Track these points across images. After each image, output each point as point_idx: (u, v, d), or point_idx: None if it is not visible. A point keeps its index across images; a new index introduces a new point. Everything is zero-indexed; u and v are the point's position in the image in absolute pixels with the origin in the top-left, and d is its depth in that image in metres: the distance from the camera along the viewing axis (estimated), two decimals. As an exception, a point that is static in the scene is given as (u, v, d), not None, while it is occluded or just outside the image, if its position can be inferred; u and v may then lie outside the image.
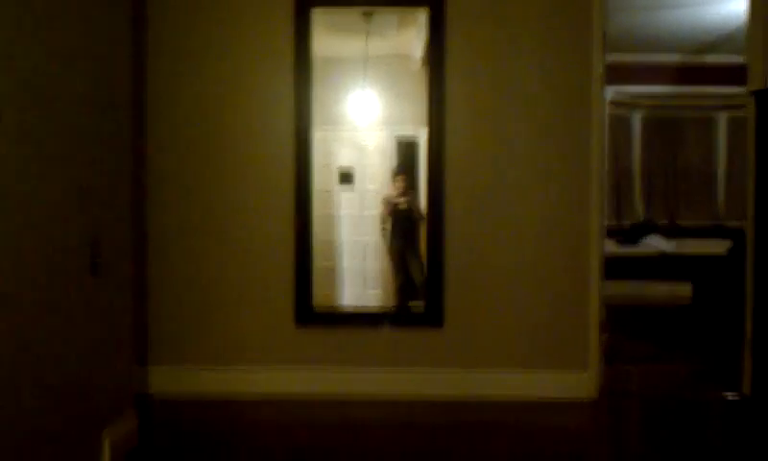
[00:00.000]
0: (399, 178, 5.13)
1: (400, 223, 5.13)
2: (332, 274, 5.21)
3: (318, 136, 4.77)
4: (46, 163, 2.94)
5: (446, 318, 4.75)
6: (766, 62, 4.42)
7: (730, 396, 4.67)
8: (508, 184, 4.73)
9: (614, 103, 9.55)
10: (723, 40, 8.71)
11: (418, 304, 4.96)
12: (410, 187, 5.09)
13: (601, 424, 4.46)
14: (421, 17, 4.78)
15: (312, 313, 4.78)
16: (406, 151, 5.20)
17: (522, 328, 4.74)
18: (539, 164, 4.72)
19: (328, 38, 4.81)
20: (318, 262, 4.84)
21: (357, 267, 5.29)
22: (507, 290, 4.74)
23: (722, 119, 10.09)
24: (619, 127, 9.95)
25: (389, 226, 5.16)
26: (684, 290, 8.35)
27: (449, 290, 4.75)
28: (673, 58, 9.64)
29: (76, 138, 3.20)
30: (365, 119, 5.16)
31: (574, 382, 4.74)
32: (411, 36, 5.03)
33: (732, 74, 9.24)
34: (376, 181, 5.22)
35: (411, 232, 5.10)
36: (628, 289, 8.70)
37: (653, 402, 4.83)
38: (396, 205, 5.10)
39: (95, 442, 3.40)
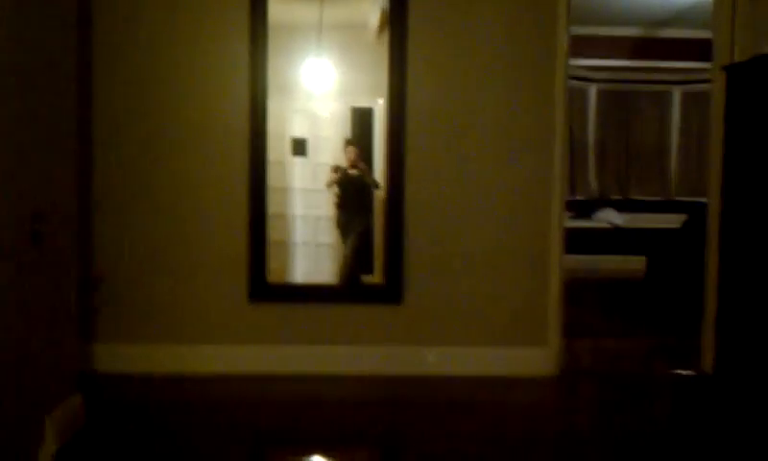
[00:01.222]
0: (351, 148, 5.00)
1: (350, 194, 5.01)
2: (284, 248, 5.07)
3: (271, 105, 4.60)
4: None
5: (405, 294, 4.65)
6: (733, 38, 4.36)
7: (685, 373, 4.66)
8: (470, 157, 4.63)
9: (570, 76, 9.53)
10: (680, 15, 8.71)
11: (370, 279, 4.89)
12: (362, 159, 4.97)
13: (560, 401, 4.43)
14: (380, -15, 4.65)
15: (266, 288, 4.64)
16: (361, 121, 5.08)
17: (482, 304, 4.67)
18: (502, 137, 4.64)
19: (282, 4, 4.63)
20: (269, 236, 4.68)
21: (310, 241, 5.17)
22: (467, 265, 4.66)
23: (676, 94, 10.15)
24: (574, 100, 9.94)
25: (337, 194, 5.02)
26: (636, 264, 8.40)
27: (409, 265, 4.64)
28: (630, 31, 9.64)
29: (17, 106, 2.99)
30: (319, 88, 5.02)
31: (534, 359, 4.69)
32: (367, 5, 4.89)
33: (688, 49, 9.31)
34: (330, 151, 5.09)
35: (360, 204, 4.99)
36: (581, 263, 8.71)
37: (611, 379, 4.80)
38: (345, 173, 4.96)
39: (38, 423, 3.22)
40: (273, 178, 4.69)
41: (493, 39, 4.62)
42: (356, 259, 5.06)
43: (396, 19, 4.56)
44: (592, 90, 10.14)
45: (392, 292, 4.64)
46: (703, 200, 8.82)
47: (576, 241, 8.72)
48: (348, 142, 5.04)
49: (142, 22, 4.54)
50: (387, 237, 4.66)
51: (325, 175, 5.04)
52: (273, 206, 4.70)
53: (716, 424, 3.81)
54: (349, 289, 4.93)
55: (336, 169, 4.98)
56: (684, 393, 4.29)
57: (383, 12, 4.65)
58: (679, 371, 4.75)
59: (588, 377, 4.81)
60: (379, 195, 4.84)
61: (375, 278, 4.95)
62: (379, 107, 4.83)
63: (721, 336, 4.06)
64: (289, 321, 4.66)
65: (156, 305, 4.60)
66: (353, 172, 4.97)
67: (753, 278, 3.65)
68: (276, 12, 4.56)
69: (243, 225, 4.60)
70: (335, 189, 5.02)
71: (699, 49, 8.93)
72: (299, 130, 5.07)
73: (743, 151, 3.74)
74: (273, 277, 4.71)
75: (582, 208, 9.83)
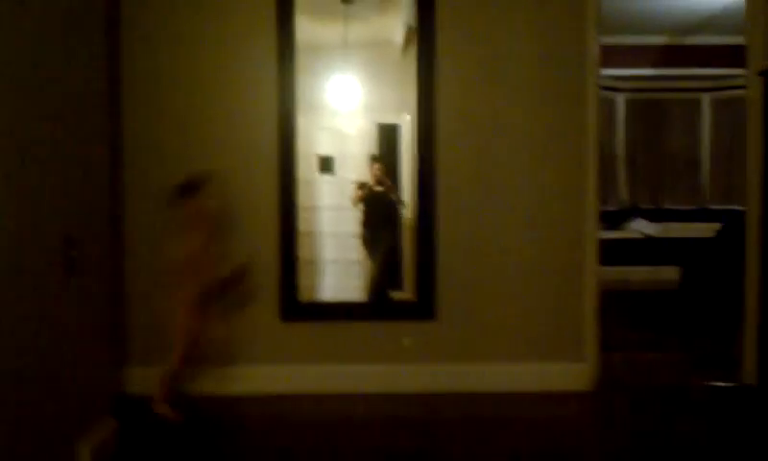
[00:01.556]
0: (377, 166, 4.95)
1: (375, 211, 4.96)
2: (312, 266, 5.03)
3: (298, 123, 4.58)
4: (18, 156, 2.74)
5: (438, 310, 4.60)
6: (767, 42, 4.29)
7: (724, 384, 4.57)
8: (501, 171, 4.58)
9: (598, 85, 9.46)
10: (707, 22, 8.61)
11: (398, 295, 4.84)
12: (387, 175, 4.92)
13: (597, 416, 4.34)
14: (404, 1, 4.61)
15: (298, 307, 4.62)
16: (387, 137, 5.04)
17: (517, 319, 4.60)
18: (533, 149, 4.58)
19: (308, 24, 4.62)
20: (299, 254, 4.66)
21: (338, 258, 5.12)
22: (501, 280, 4.60)
23: (705, 101, 10.03)
24: (602, 110, 9.84)
25: (363, 211, 4.97)
26: (670, 274, 8.27)
27: (441, 281, 4.59)
28: (656, 39, 9.53)
29: (49, 131, 2.99)
30: (345, 105, 4.99)
31: (571, 374, 4.61)
32: (391, 22, 4.86)
33: (716, 55, 9.19)
34: (357, 168, 5.05)
35: (386, 221, 4.94)
36: (614, 275, 8.60)
37: (649, 393, 4.69)
38: (371, 190, 4.91)
39: (71, 448, 3.20)
40: (301, 196, 4.67)
41: (523, 51, 4.57)
42: (384, 276, 5.01)
43: (424, 34, 4.53)
44: (621, 100, 10.05)
45: (424, 308, 4.59)
46: (736, 207, 8.70)
47: (608, 252, 8.65)
48: (374, 158, 5.00)
49: (169, 43, 4.54)
50: (418, 253, 4.62)
51: (352, 192, 5.00)
52: (301, 224, 4.68)
53: (762, 437, 3.72)
54: (381, 306, 4.88)
55: (361, 186, 4.94)
56: (727, 405, 4.20)
57: (408, 29, 4.63)
58: (718, 383, 4.66)
59: (624, 392, 4.69)
60: (408, 210, 4.79)
61: (406, 294, 4.90)
62: (405, 123, 4.79)
63: (765, 347, 3.96)
64: (322, 339, 4.62)
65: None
66: (379, 189, 4.92)
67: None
68: (301, 31, 4.55)
69: (274, 244, 4.57)
70: (360, 206, 4.98)
71: (727, 55, 8.85)
72: (325, 147, 5.04)
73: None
74: (302, 295, 4.67)
75: (613, 219, 9.71)
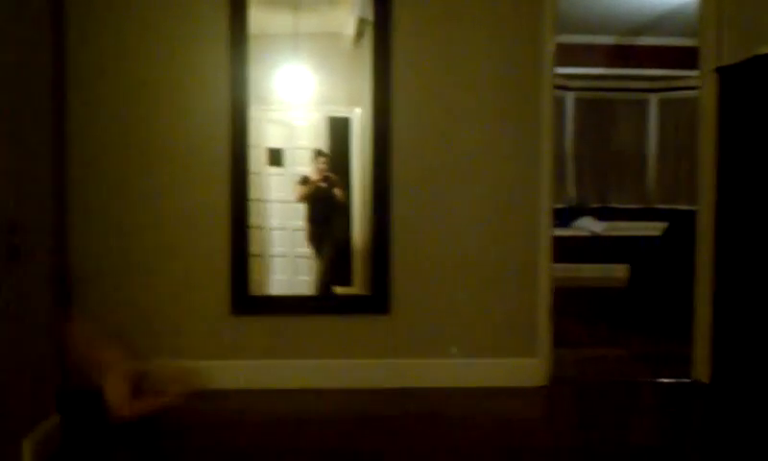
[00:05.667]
0: (321, 159, 4.85)
1: (320, 207, 4.87)
2: (261, 261, 4.93)
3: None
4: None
5: (393, 305, 4.55)
6: (720, 41, 4.32)
7: (669, 381, 4.63)
8: (456, 165, 4.56)
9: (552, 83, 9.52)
10: (655, 23, 8.70)
11: (346, 291, 4.79)
12: (332, 169, 4.82)
13: (549, 412, 4.36)
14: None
15: (250, 301, 4.54)
16: (338, 131, 4.95)
17: (472, 315, 4.59)
18: (488, 144, 4.56)
19: (256, 12, 4.52)
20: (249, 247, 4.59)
21: (287, 252, 5.03)
22: (456, 275, 4.58)
23: (653, 101, 10.15)
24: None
25: (306, 208, 4.87)
26: (618, 272, 8.34)
27: (396, 276, 4.55)
28: (606, 39, 9.61)
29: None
30: (296, 97, 4.89)
31: (524, 369, 4.61)
32: (342, 14, 4.78)
33: (664, 56, 9.31)
34: (306, 162, 4.96)
35: (331, 216, 4.87)
36: (561, 272, 8.64)
37: (600, 388, 4.73)
38: (316, 187, 4.80)
39: (17, 447, 3.09)
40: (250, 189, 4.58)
41: (479, 47, 4.54)
42: (332, 271, 4.93)
43: (381, 26, 4.48)
44: (570, 99, 10.12)
45: (379, 302, 4.55)
46: (680, 207, 8.81)
47: (557, 249, 8.68)
48: (318, 153, 4.89)
49: (119, 30, 4.41)
50: (373, 247, 4.57)
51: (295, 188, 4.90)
52: (251, 218, 4.59)
53: (717, 434, 3.74)
54: (335, 300, 4.81)
55: (303, 181, 4.83)
56: (679, 402, 4.23)
57: (360, 21, 4.56)
58: (668, 379, 4.70)
59: (576, 387, 4.72)
60: (362, 204, 4.72)
61: (354, 289, 4.83)
62: (356, 116, 4.72)
63: (719, 345, 3.99)
64: (274, 334, 4.55)
65: (135, 321, 4.44)
66: (322, 184, 4.82)
67: (754, 283, 3.58)
68: (251, 20, 4.47)
69: (224, 237, 4.49)
70: (305, 202, 4.88)
71: (675, 56, 8.97)
72: (275, 140, 4.94)
73: (741, 153, 3.67)
74: (252, 290, 4.59)
75: (561, 217, 9.77)
